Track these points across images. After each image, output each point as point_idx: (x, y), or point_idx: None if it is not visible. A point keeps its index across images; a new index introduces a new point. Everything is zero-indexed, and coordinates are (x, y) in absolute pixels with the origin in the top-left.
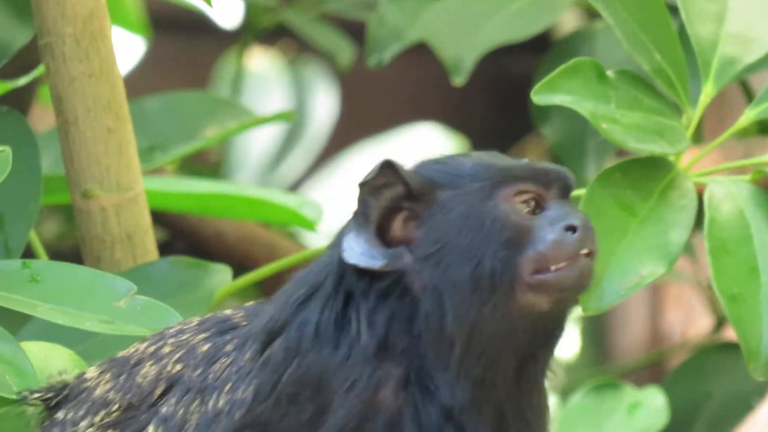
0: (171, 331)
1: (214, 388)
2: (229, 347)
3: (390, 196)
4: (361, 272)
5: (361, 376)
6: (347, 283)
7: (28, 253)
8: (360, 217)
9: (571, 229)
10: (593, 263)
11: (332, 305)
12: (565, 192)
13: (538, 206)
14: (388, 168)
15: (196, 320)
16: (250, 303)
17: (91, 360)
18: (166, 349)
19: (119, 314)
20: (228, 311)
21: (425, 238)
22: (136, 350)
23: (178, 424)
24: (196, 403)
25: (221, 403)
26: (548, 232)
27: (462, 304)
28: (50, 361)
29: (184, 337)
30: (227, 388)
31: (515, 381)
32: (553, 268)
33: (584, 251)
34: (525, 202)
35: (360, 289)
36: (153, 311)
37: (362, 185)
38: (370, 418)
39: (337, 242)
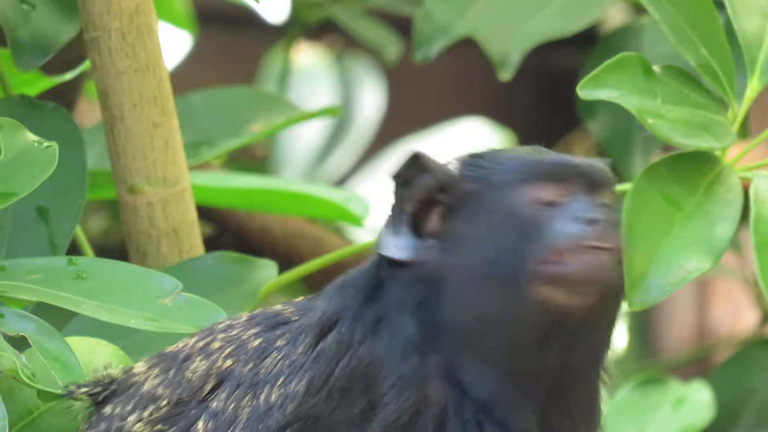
0: (220, 326)
1: (266, 383)
2: (280, 342)
3: (422, 188)
4: (395, 264)
5: (408, 369)
6: (383, 275)
7: (74, 249)
8: (394, 209)
9: (588, 222)
10: (612, 258)
11: (373, 298)
12: (592, 186)
13: (560, 200)
14: (415, 159)
15: (245, 316)
16: (300, 298)
17: (135, 356)
18: (216, 345)
19: (164, 312)
20: (278, 307)
21: (451, 231)
22: (185, 345)
23: (228, 419)
24: (248, 397)
25: (273, 396)
26: (564, 225)
27: (480, 298)
28: (95, 356)
29: (234, 332)
30: (279, 381)
31: (555, 379)
32: (562, 260)
33: (598, 244)
34: (546, 196)
35: (394, 281)
36: (198, 308)
37: (394, 177)
38: (421, 412)
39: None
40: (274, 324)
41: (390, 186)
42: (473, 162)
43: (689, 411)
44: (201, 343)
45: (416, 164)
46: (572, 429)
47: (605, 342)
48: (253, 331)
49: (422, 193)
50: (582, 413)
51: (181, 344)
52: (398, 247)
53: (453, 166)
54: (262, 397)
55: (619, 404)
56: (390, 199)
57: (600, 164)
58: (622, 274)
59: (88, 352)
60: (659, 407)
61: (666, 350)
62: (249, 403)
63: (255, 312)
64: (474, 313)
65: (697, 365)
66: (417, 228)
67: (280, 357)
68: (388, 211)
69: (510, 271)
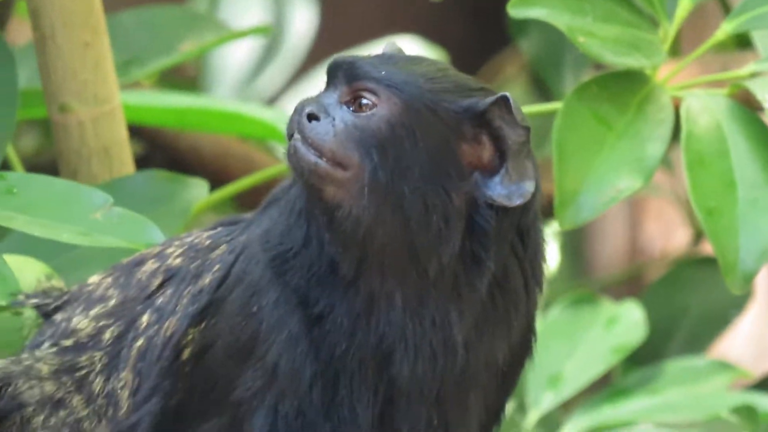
0: (181, 236)
1: (207, 270)
2: (231, 236)
3: None
4: None
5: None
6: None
7: (5, 168)
8: None
9: (294, 111)
10: (297, 145)
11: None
12: (331, 79)
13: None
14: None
15: (207, 228)
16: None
17: (66, 275)
18: (170, 250)
19: (96, 226)
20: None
21: None
22: (141, 254)
23: (170, 310)
24: (190, 288)
25: (207, 280)
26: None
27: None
28: (24, 274)
29: (190, 238)
30: (215, 268)
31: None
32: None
33: (290, 133)
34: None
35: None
36: (130, 223)
37: None
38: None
39: None
40: (231, 222)
41: None
42: None
43: (621, 330)
44: (156, 250)
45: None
46: (414, 334)
47: (387, 245)
48: (208, 233)
49: None
50: (419, 320)
51: (137, 255)
52: None
53: None
54: (199, 284)
55: (551, 324)
56: None
57: (345, 58)
58: (343, 174)
59: (16, 270)
60: (591, 327)
61: (598, 269)
62: (189, 292)
63: (216, 222)
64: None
65: (629, 284)
66: None
67: (225, 249)
68: None
69: None
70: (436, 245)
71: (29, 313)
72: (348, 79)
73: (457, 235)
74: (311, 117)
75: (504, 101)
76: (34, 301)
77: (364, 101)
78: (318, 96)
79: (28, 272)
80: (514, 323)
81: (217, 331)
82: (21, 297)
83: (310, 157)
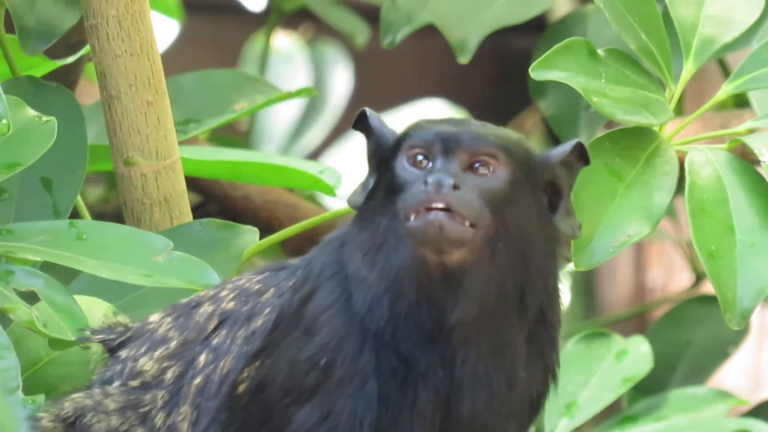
0: (233, 279)
1: (258, 313)
2: (278, 281)
3: (368, 147)
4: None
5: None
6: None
7: (75, 216)
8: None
9: (426, 183)
10: (448, 222)
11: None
12: (449, 150)
13: (428, 162)
14: (363, 114)
15: (256, 272)
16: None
17: (131, 312)
18: (224, 293)
19: (158, 268)
20: (288, 261)
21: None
22: (197, 296)
23: (225, 350)
24: (243, 330)
25: (259, 323)
26: (413, 185)
27: (377, 249)
28: (92, 313)
29: (241, 282)
30: (267, 311)
31: (446, 326)
32: (411, 217)
33: (436, 205)
34: (415, 156)
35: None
36: (188, 265)
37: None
38: (339, 347)
39: None
40: (278, 268)
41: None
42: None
43: (630, 362)
44: (211, 293)
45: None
46: (487, 375)
47: (502, 293)
48: (257, 278)
49: (370, 151)
50: (496, 361)
51: (194, 296)
52: (353, 195)
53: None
54: (251, 326)
55: (566, 356)
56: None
57: (469, 132)
58: (477, 235)
59: (85, 309)
60: (603, 359)
61: (607, 308)
62: (242, 334)
63: (263, 267)
64: (374, 263)
65: (635, 321)
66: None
67: (274, 293)
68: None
69: (389, 221)
70: (543, 287)
71: (95, 348)
72: (467, 147)
73: (555, 274)
74: (455, 187)
75: (581, 147)
76: (100, 336)
77: (485, 165)
78: (439, 166)
79: (96, 311)
80: (548, 356)
81: (274, 370)
82: (87, 333)
83: (458, 226)
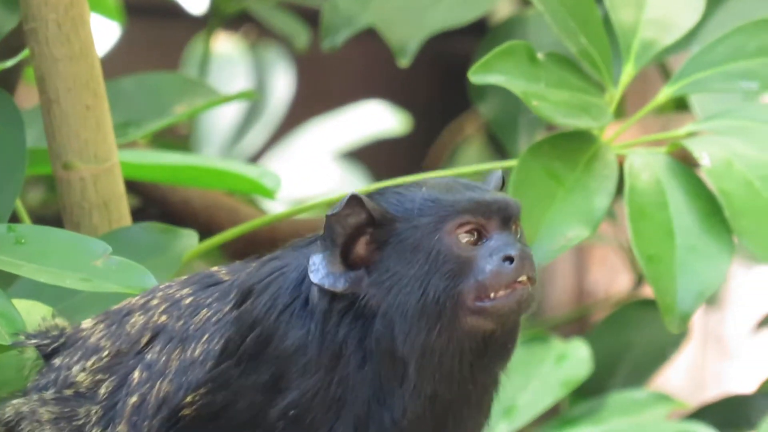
0: (161, 286)
1: (194, 338)
2: (210, 300)
3: (354, 223)
4: (325, 290)
5: (317, 371)
6: (312, 295)
7: (14, 219)
8: (327, 242)
9: (509, 259)
10: (531, 288)
11: (300, 304)
12: (507, 221)
13: (481, 237)
14: (354, 200)
15: (184, 277)
16: (236, 262)
17: (69, 317)
18: (154, 302)
19: (97, 273)
20: (214, 268)
21: (381, 265)
22: (128, 303)
23: (160, 370)
24: (177, 351)
25: (197, 351)
26: (488, 263)
27: (411, 330)
28: (31, 317)
29: (171, 291)
30: (204, 338)
31: (468, 390)
32: (492, 295)
33: (522, 279)
34: (467, 233)
35: (322, 304)
36: (127, 270)
37: (331, 216)
38: (320, 406)
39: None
40: (207, 284)
41: (325, 223)
42: (397, 200)
43: (570, 366)
44: (142, 301)
45: (354, 204)
46: (477, 417)
47: (512, 352)
48: (187, 290)
49: (354, 228)
50: (486, 405)
51: (124, 302)
52: (328, 277)
53: (381, 204)
54: (188, 352)
55: None
56: (324, 233)
57: (511, 199)
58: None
59: (24, 313)
60: (542, 362)
61: (548, 311)
62: (178, 356)
63: (193, 274)
64: (401, 343)
65: (576, 324)
66: (346, 257)
67: (208, 315)
68: (320, 241)
69: (438, 305)
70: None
71: (30, 354)
72: (516, 216)
73: None
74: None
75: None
76: (34, 341)
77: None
78: (512, 238)
79: (35, 315)
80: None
81: (230, 405)
82: (22, 337)
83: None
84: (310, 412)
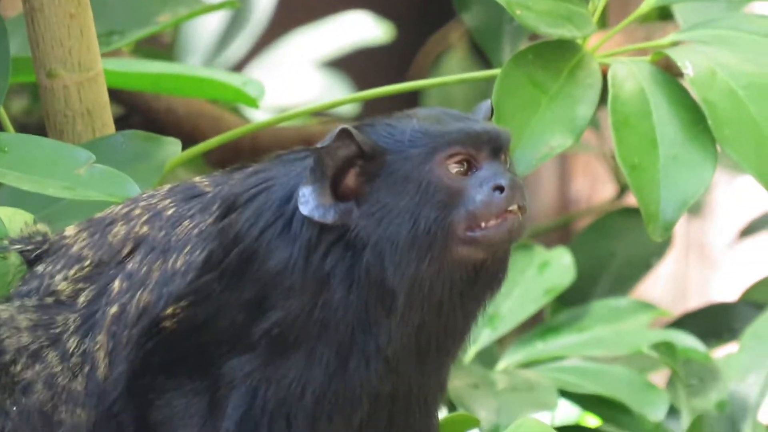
0: (143, 195)
1: (175, 249)
2: (192, 211)
3: (344, 155)
4: (314, 221)
5: (301, 296)
6: (300, 223)
7: None
8: (317, 174)
9: (499, 188)
10: (522, 218)
11: (283, 223)
12: (497, 151)
13: (471, 167)
14: (344, 134)
15: (167, 187)
16: (217, 172)
17: (53, 225)
18: (137, 212)
19: (80, 181)
20: (196, 179)
21: (371, 197)
22: (111, 212)
23: (141, 280)
24: (159, 262)
25: (179, 263)
26: (478, 193)
27: (401, 261)
28: (13, 224)
29: (153, 201)
30: (186, 249)
31: (455, 321)
32: (483, 225)
33: (512, 208)
34: (458, 163)
35: (309, 234)
36: (110, 178)
37: (320, 148)
38: (303, 327)
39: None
40: (189, 195)
41: (314, 155)
42: (388, 132)
43: (552, 274)
44: (124, 210)
45: (343, 137)
46: (446, 355)
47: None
48: (169, 201)
49: (344, 160)
50: (460, 338)
51: (107, 211)
52: (318, 209)
53: (371, 136)
54: (170, 263)
55: None
56: (313, 165)
57: (501, 129)
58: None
59: (6, 221)
60: (525, 270)
61: (531, 219)
62: (159, 267)
63: (175, 184)
64: (391, 274)
65: (559, 233)
66: (336, 189)
67: (190, 226)
68: (309, 173)
69: (432, 236)
70: None
71: (14, 260)
72: (506, 146)
73: None
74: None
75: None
76: (18, 246)
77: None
78: (502, 168)
79: (17, 222)
80: None
81: (211, 319)
82: (6, 242)
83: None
84: (293, 332)
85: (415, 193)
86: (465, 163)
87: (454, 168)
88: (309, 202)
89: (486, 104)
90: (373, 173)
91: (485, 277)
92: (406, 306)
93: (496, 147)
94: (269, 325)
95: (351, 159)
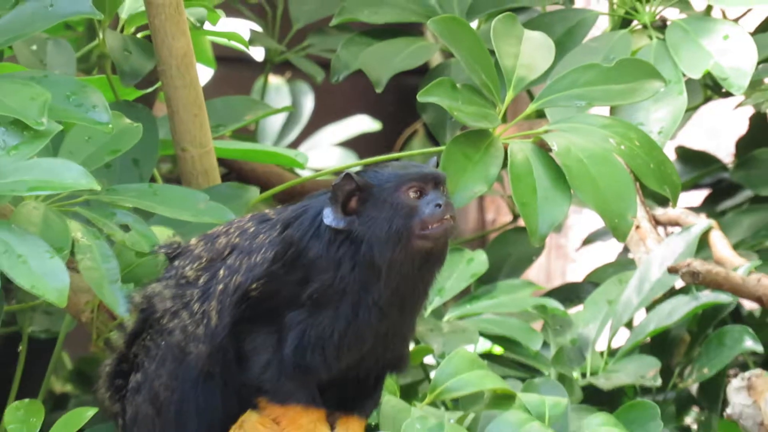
0: (236, 220)
1: (255, 251)
2: (265, 229)
3: (348, 189)
4: (332, 228)
5: (327, 273)
6: (325, 229)
7: (153, 181)
8: (333, 200)
9: (439, 205)
10: (454, 223)
11: (317, 232)
12: (438, 185)
13: (422, 194)
14: (348, 176)
15: (248, 216)
16: (278, 207)
17: (185, 237)
18: (232, 230)
19: (200, 211)
20: (267, 210)
21: (365, 213)
22: (217, 230)
23: (235, 269)
24: (246, 258)
25: (258, 258)
26: (426, 208)
27: (383, 249)
28: (161, 236)
29: (242, 223)
30: (262, 251)
31: (417, 285)
32: (430, 227)
33: (447, 217)
34: (414, 191)
35: (329, 235)
36: (217, 210)
37: (334, 185)
38: (335, 291)
39: (322, 193)
40: (263, 219)
41: (331, 189)
42: (374, 175)
43: (475, 265)
44: (224, 229)
45: (348, 178)
46: (418, 305)
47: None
48: (251, 223)
49: (348, 192)
50: (423, 296)
51: (214, 229)
52: (335, 220)
53: (365, 177)
54: (253, 259)
55: None
56: (331, 194)
57: (441, 172)
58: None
59: (158, 235)
60: (459, 263)
61: (460, 233)
62: (246, 261)
63: (253, 214)
64: (378, 257)
65: (479, 241)
66: (345, 210)
67: (263, 237)
68: (329, 200)
69: (400, 234)
70: None
71: (161, 257)
72: (443, 180)
73: None
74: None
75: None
76: (164, 250)
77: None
78: (438, 195)
79: (164, 235)
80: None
81: (276, 289)
82: (157, 248)
83: (456, 225)
84: (325, 296)
85: (390, 209)
86: (419, 191)
87: (412, 194)
88: (329, 216)
89: (433, 159)
90: (366, 199)
91: (433, 259)
92: (387, 276)
93: (438, 182)
94: (311, 292)
95: (352, 191)
